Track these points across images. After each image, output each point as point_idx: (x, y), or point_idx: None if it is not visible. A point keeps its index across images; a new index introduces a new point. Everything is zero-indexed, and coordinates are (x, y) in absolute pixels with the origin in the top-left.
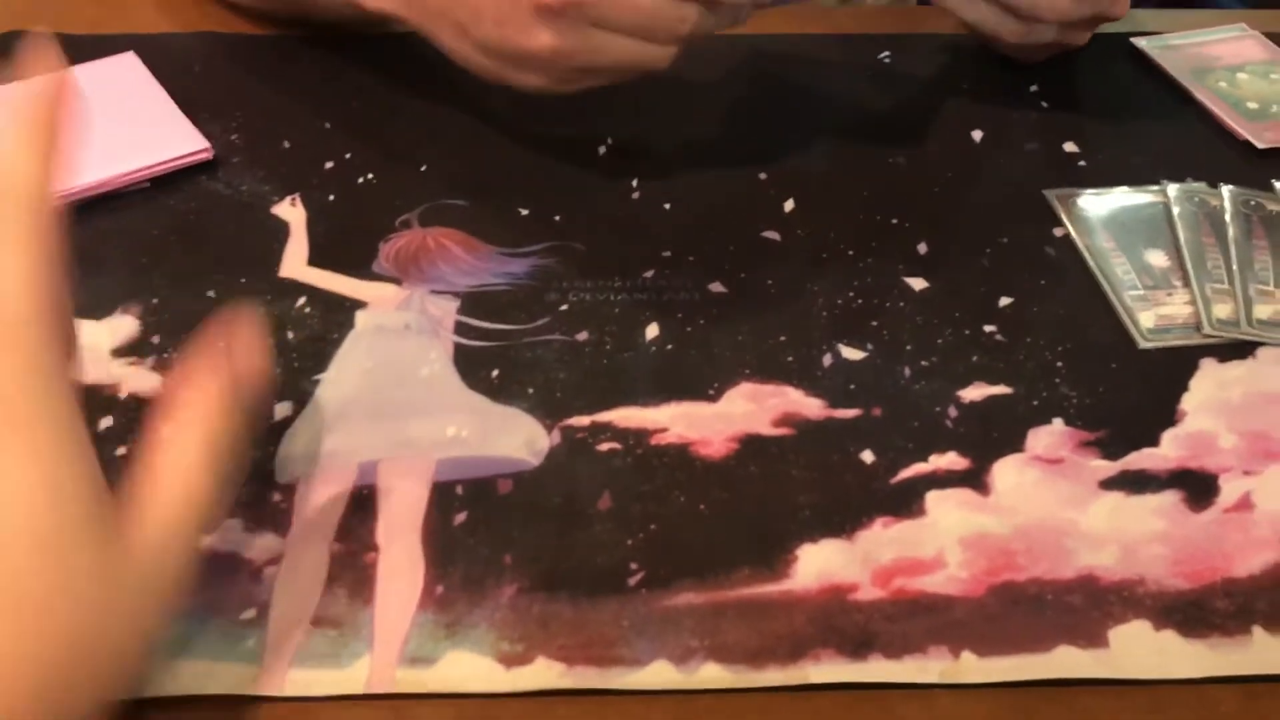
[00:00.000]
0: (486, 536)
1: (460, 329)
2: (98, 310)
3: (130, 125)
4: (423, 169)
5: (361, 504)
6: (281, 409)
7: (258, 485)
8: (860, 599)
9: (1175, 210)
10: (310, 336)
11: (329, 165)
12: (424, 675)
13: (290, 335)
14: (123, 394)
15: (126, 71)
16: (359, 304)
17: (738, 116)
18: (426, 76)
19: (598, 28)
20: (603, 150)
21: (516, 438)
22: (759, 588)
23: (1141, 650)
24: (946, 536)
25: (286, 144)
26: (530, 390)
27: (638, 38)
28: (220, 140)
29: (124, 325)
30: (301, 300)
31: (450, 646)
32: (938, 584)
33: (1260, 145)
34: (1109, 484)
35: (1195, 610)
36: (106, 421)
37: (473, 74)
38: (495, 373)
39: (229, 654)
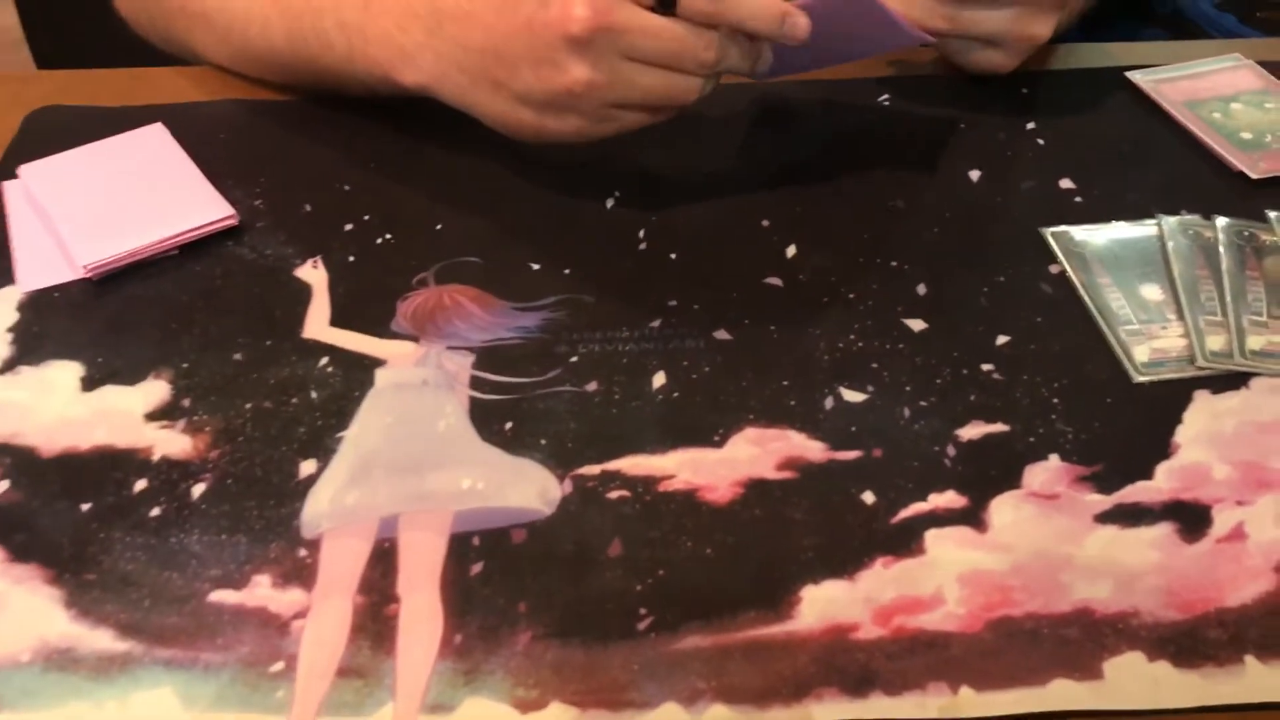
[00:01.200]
0: (502, 586)
1: (475, 383)
2: (130, 376)
3: (159, 194)
4: (438, 228)
5: (383, 557)
6: (306, 467)
7: (285, 542)
8: (861, 638)
9: (1169, 244)
10: (333, 395)
11: (349, 227)
12: None
13: (314, 394)
14: (155, 457)
15: (155, 142)
16: (379, 362)
17: (740, 164)
18: (442, 138)
19: (627, 59)
20: (610, 203)
21: (530, 488)
22: (763, 629)
23: (1136, 681)
24: (945, 574)
25: (308, 207)
26: (543, 441)
27: (665, 68)
28: (244, 206)
29: (156, 390)
30: (324, 360)
31: (469, 693)
32: (936, 621)
33: (1254, 175)
34: (1104, 518)
35: (1188, 640)
36: (140, 484)
37: (508, 136)
38: (509, 425)
39: (260, 705)
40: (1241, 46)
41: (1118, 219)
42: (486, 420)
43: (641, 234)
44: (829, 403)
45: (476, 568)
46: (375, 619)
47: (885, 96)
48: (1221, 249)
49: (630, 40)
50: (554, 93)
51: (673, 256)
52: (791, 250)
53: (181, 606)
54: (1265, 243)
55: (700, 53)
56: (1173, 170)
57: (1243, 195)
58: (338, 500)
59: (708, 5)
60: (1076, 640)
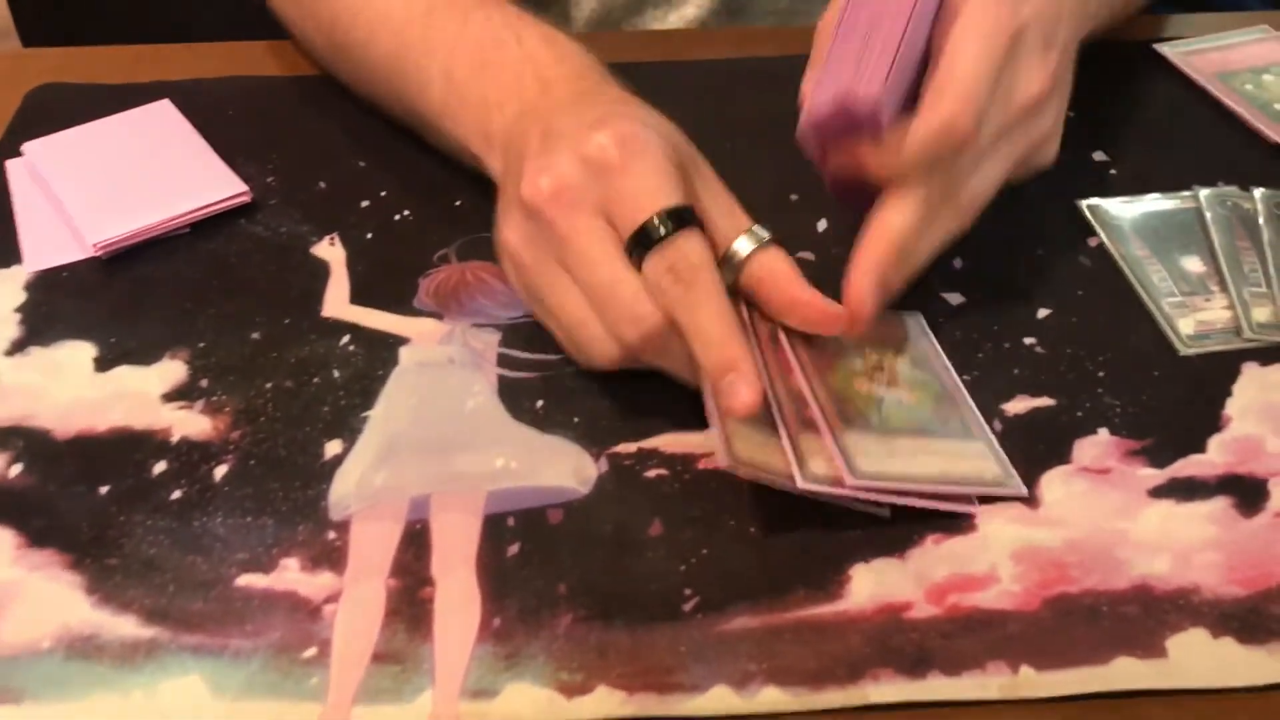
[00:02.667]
0: (540, 567)
1: (503, 361)
2: (146, 356)
3: (168, 172)
4: (457, 204)
5: (415, 539)
6: (332, 447)
7: (313, 524)
8: (915, 617)
9: (1208, 215)
10: (356, 374)
11: (365, 204)
12: (487, 708)
13: (336, 374)
14: (174, 438)
15: (163, 119)
16: (402, 340)
17: (766, 139)
18: None
19: (557, 261)
20: None
21: (564, 467)
22: (814, 609)
23: (1201, 659)
24: (998, 551)
25: (322, 184)
26: (575, 419)
27: (591, 302)
28: (257, 183)
29: (172, 370)
30: (345, 339)
31: (511, 679)
32: (991, 599)
33: None
34: (1158, 492)
35: (1253, 616)
36: (160, 466)
37: None
38: (540, 403)
39: (293, 693)
40: (1269, 18)
41: (1153, 191)
42: (516, 399)
43: None
44: None
45: (513, 549)
46: (410, 602)
47: None
48: (1261, 220)
49: (565, 249)
50: (497, 240)
51: None
52: (822, 225)
53: (208, 591)
54: None
55: (625, 324)
56: (1206, 142)
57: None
58: (365, 481)
59: (670, 284)
60: (1137, 617)
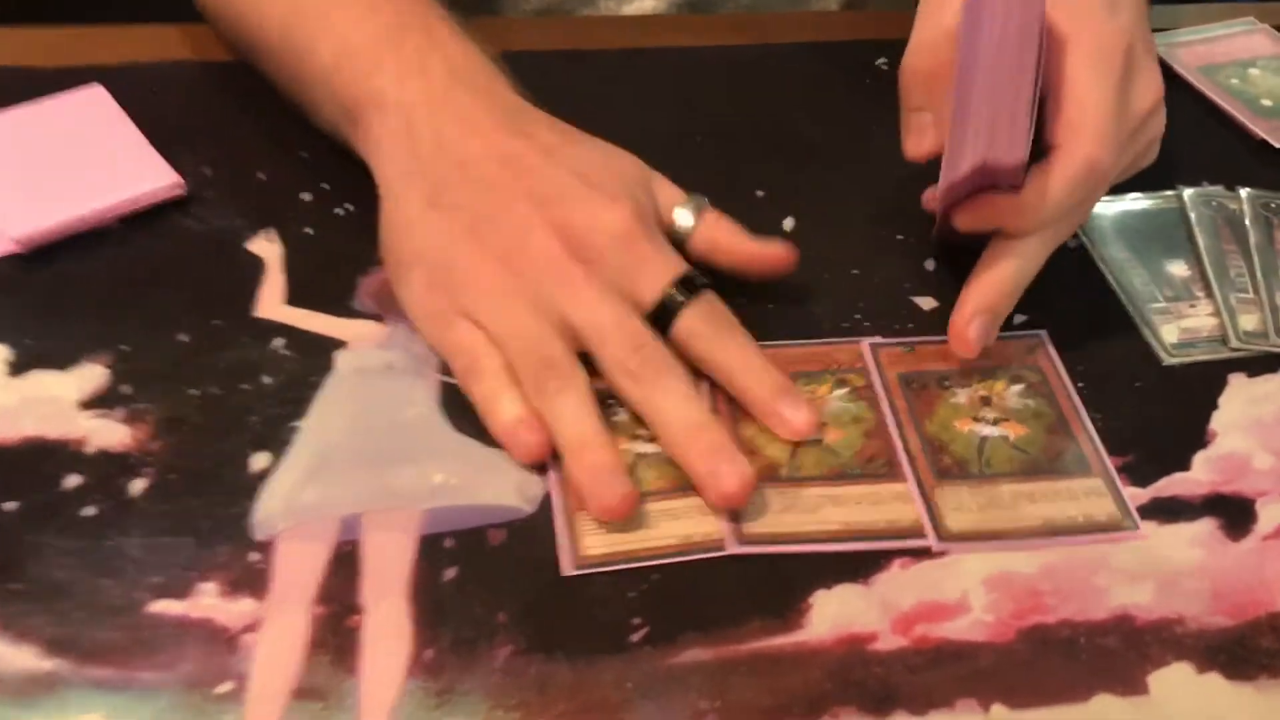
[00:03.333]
0: (478, 593)
1: (445, 367)
2: (63, 360)
3: (98, 162)
4: None
5: (344, 562)
6: (259, 460)
7: (234, 545)
8: (880, 649)
9: (1192, 216)
10: (288, 381)
11: (306, 197)
12: None
13: (267, 380)
14: (90, 449)
15: (93, 105)
16: (339, 344)
17: (733, 132)
18: None
19: (559, 310)
20: None
21: (507, 484)
22: (771, 640)
23: (1185, 696)
24: (970, 578)
25: (261, 175)
26: None
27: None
28: (192, 174)
29: (92, 375)
30: (279, 342)
31: (442, 715)
32: (962, 630)
33: (1277, 145)
34: (1140, 513)
35: (1240, 649)
36: (72, 480)
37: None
38: None
39: None
40: (1254, 10)
41: (1135, 191)
42: (459, 408)
43: None
44: None
45: (450, 573)
46: (336, 632)
47: (883, 60)
48: (1248, 222)
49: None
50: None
51: None
52: (789, 223)
53: (117, 619)
54: None
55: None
56: (1191, 139)
57: (1266, 164)
58: (294, 498)
59: (704, 329)
60: (1117, 650)
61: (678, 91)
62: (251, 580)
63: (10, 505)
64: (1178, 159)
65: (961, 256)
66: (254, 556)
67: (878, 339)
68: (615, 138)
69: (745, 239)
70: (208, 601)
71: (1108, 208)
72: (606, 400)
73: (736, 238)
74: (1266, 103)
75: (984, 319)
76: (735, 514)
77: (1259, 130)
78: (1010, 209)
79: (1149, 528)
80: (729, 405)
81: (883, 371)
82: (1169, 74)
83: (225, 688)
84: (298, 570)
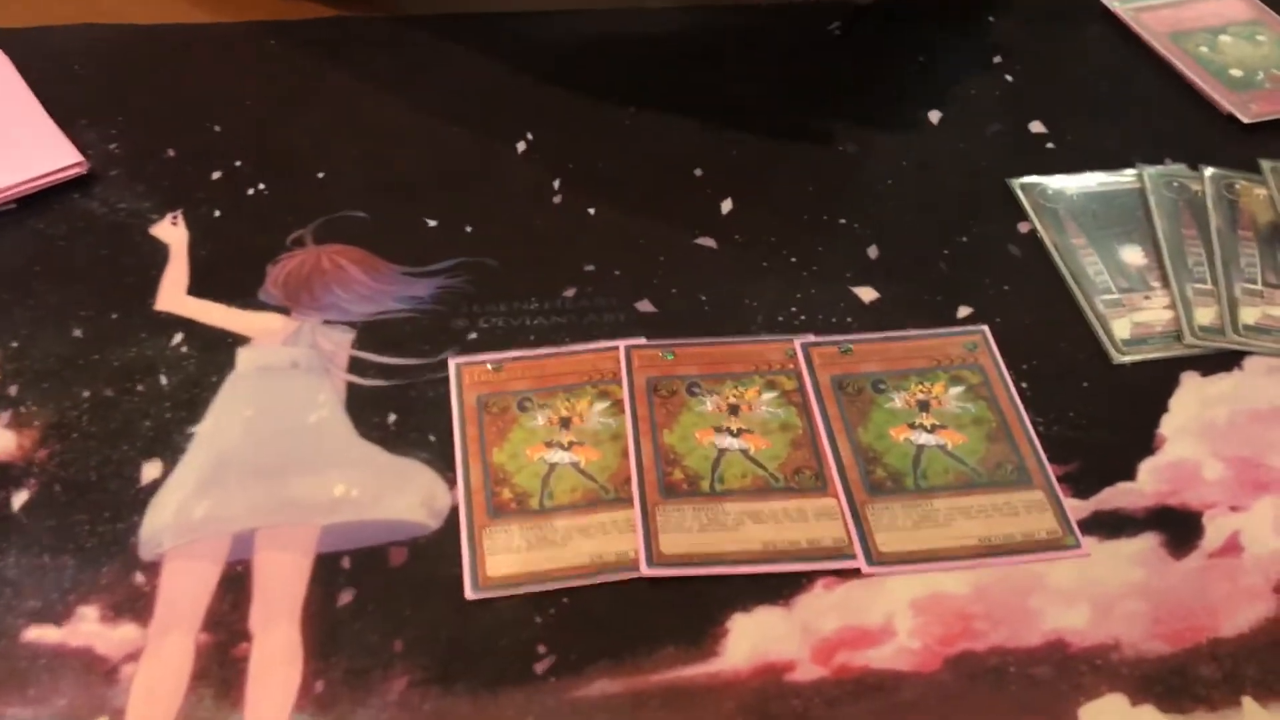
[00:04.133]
0: (375, 619)
1: (354, 365)
2: None
3: None
4: (320, 176)
5: (234, 584)
6: (150, 470)
7: (119, 565)
8: (798, 679)
9: (1151, 199)
10: (186, 380)
11: (217, 175)
12: None
13: (164, 380)
14: None
15: None
16: (242, 339)
17: (672, 102)
18: (332, 70)
19: None
20: (522, 147)
21: (413, 496)
22: (684, 670)
23: None
24: (896, 599)
25: (171, 152)
26: (431, 437)
27: None
28: (97, 151)
29: None
30: (178, 338)
31: None
32: (886, 658)
33: (1245, 119)
34: (1081, 527)
35: (1177, 679)
36: None
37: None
38: (392, 417)
39: None
40: None
41: (1094, 169)
42: (365, 411)
43: (557, 184)
44: None
45: (345, 596)
46: (222, 662)
47: (835, 24)
48: (1209, 204)
49: None
50: None
51: (591, 212)
52: (727, 205)
53: None
54: (1259, 197)
55: None
56: (1156, 112)
57: (1233, 140)
58: (184, 512)
59: None
60: (1048, 681)
61: (606, 59)
62: (135, 604)
63: None
64: (1140, 133)
65: (905, 245)
66: (139, 578)
67: (810, 337)
68: (543, 114)
69: None
70: (87, 628)
71: (1062, 188)
72: (524, 401)
73: None
74: (1236, 72)
75: None
76: (651, 532)
77: (1226, 103)
78: None
79: (1089, 544)
80: (655, 415)
81: (815, 373)
82: (1133, 40)
83: None
84: (184, 593)
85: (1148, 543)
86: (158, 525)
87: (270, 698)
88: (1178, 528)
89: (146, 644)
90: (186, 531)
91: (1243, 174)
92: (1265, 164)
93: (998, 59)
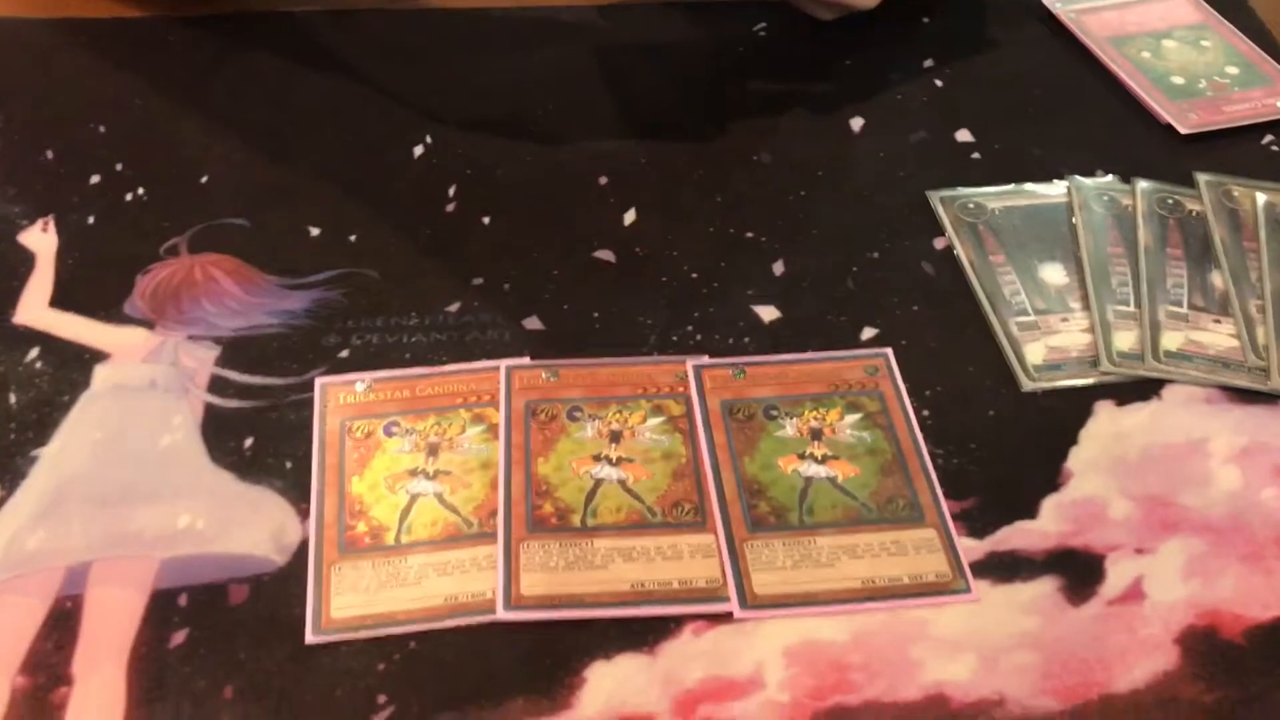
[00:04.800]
0: (207, 662)
1: (215, 385)
2: None
3: None
4: (203, 180)
5: (60, 622)
6: None
7: None
8: None
9: (1079, 214)
10: (36, 399)
11: (95, 179)
12: None
13: (14, 399)
14: None
15: None
16: (101, 355)
17: (582, 104)
18: (225, 66)
19: None
20: (419, 150)
21: (261, 530)
22: None
23: None
24: (768, 647)
25: (49, 154)
26: (288, 464)
27: None
28: None
29: None
30: (33, 353)
31: None
32: (751, 713)
33: (1183, 130)
34: (974, 569)
35: None
36: None
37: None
38: (249, 442)
39: None
40: None
41: (1021, 180)
42: (221, 435)
43: (452, 192)
44: None
45: (178, 637)
46: (39, 709)
47: (761, 25)
48: (1140, 219)
49: None
50: None
51: (485, 221)
52: (630, 216)
53: None
54: (1190, 214)
55: None
56: (1091, 121)
57: (1169, 152)
58: (17, 542)
59: None
60: None
61: (517, 60)
62: None
63: None
64: (1072, 143)
65: (813, 261)
66: None
67: (704, 359)
68: (444, 115)
69: None
70: None
71: (984, 201)
72: (390, 426)
73: None
74: (1178, 80)
75: None
76: (511, 571)
77: (1165, 113)
78: None
79: (981, 588)
80: (530, 441)
81: (705, 398)
82: (1074, 44)
83: None
84: (5, 632)
85: (1044, 587)
86: None
87: None
88: (1078, 571)
89: None
90: (17, 565)
91: (1177, 188)
92: (1201, 177)
93: (929, 62)
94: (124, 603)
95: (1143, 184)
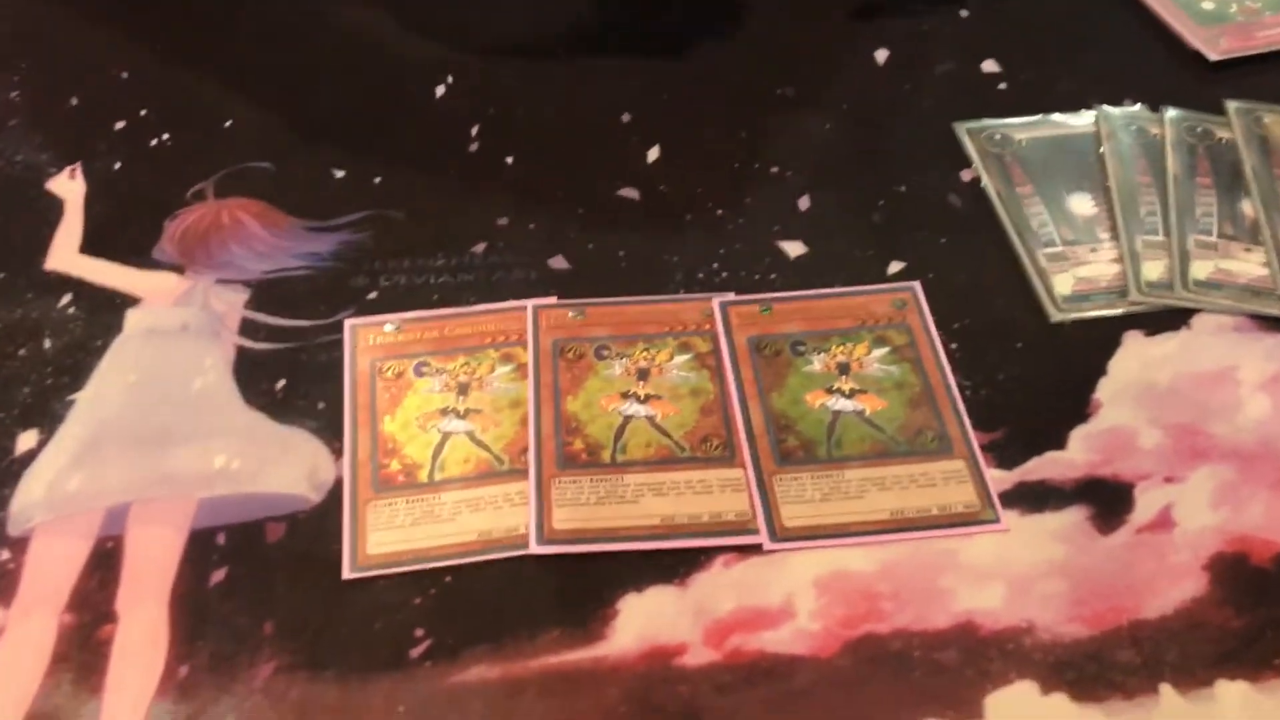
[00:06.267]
0: (247, 599)
1: (246, 327)
2: None
3: None
4: (228, 124)
5: (103, 561)
6: (26, 439)
7: None
8: (688, 664)
9: (1107, 144)
10: (71, 344)
11: (120, 125)
12: None
13: (48, 344)
14: None
15: None
16: (132, 300)
17: (603, 41)
18: (241, 12)
19: None
20: (441, 91)
21: (297, 469)
22: (568, 654)
23: None
24: (798, 577)
25: (74, 100)
26: (320, 405)
27: None
28: None
29: None
30: (66, 299)
31: None
32: (782, 641)
33: (1213, 56)
34: (1003, 500)
35: (1093, 665)
36: None
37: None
38: (281, 383)
39: None
40: None
41: (1048, 111)
42: (254, 377)
43: (474, 131)
44: None
45: (218, 575)
46: (84, 645)
47: None
48: (1169, 148)
49: None
50: None
51: (509, 161)
52: (654, 154)
53: None
54: (1220, 141)
55: None
56: (1119, 50)
57: (1199, 80)
58: (58, 485)
59: None
60: (954, 667)
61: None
62: None
63: None
64: (1100, 73)
65: (841, 194)
66: (4, 554)
67: (730, 296)
68: (466, 55)
69: None
70: None
71: (1011, 132)
72: (421, 366)
73: None
74: (1208, 4)
75: None
76: (544, 507)
77: (1194, 40)
78: None
79: (1010, 518)
80: (559, 380)
81: (732, 335)
82: None
83: None
84: (51, 571)
85: (1073, 517)
86: (28, 500)
87: (131, 684)
88: (1107, 501)
89: (7, 624)
90: (58, 506)
91: (1206, 116)
92: (1230, 105)
93: None
94: (163, 542)
95: (1171, 112)
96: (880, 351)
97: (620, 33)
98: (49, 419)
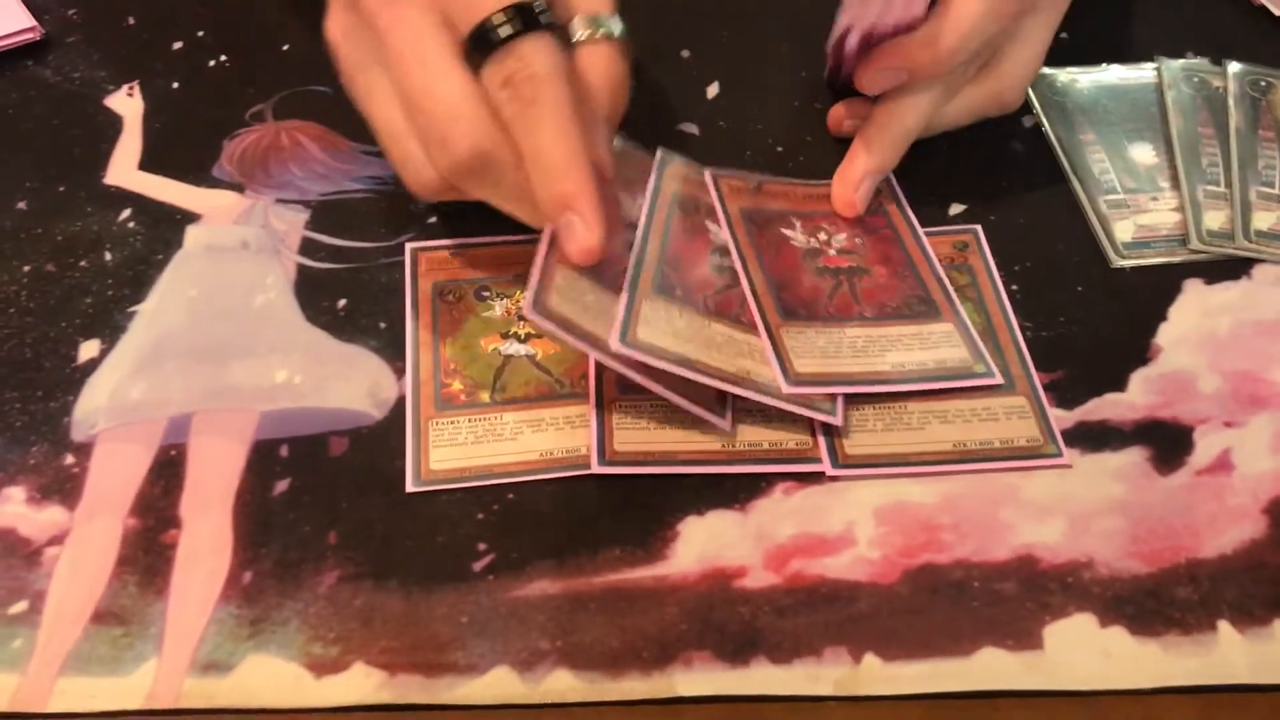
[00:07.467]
0: (310, 509)
1: (306, 247)
2: None
3: None
4: (285, 48)
5: (166, 469)
6: (87, 349)
7: (49, 445)
8: (748, 586)
9: (1169, 95)
10: (131, 257)
11: (177, 45)
12: (215, 687)
13: (109, 256)
14: None
15: None
16: (192, 216)
17: None
18: None
19: (381, 65)
20: None
21: (359, 385)
22: (629, 573)
23: (1081, 653)
24: (859, 506)
25: (131, 20)
26: (381, 324)
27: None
28: (54, 17)
29: None
30: (126, 213)
31: (252, 649)
32: (842, 567)
33: (1277, 11)
34: (1064, 438)
35: (1151, 601)
36: None
37: None
38: (342, 302)
39: None
40: None
41: (1110, 61)
42: (315, 295)
43: None
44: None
45: (281, 485)
46: (148, 548)
47: None
48: (1231, 101)
49: (384, 46)
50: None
51: None
52: (714, 89)
53: None
54: None
55: (435, 144)
56: (1182, 2)
57: (1262, 35)
58: (120, 394)
59: (507, 99)
60: (1014, 598)
61: None
62: (63, 486)
63: None
64: (1163, 25)
65: None
66: (69, 459)
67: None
68: None
69: (614, 97)
70: (12, 509)
71: (1072, 81)
72: (481, 291)
73: (606, 87)
74: None
75: (873, 180)
76: (605, 428)
77: None
78: (919, 45)
79: (1071, 456)
80: None
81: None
82: None
83: (19, 607)
84: (114, 476)
85: (1133, 457)
86: (91, 407)
87: (196, 587)
88: (1166, 442)
89: (73, 527)
90: (121, 413)
91: (1269, 70)
92: None
93: None
94: (227, 452)
95: (1234, 66)
96: None
97: None
98: (110, 329)
